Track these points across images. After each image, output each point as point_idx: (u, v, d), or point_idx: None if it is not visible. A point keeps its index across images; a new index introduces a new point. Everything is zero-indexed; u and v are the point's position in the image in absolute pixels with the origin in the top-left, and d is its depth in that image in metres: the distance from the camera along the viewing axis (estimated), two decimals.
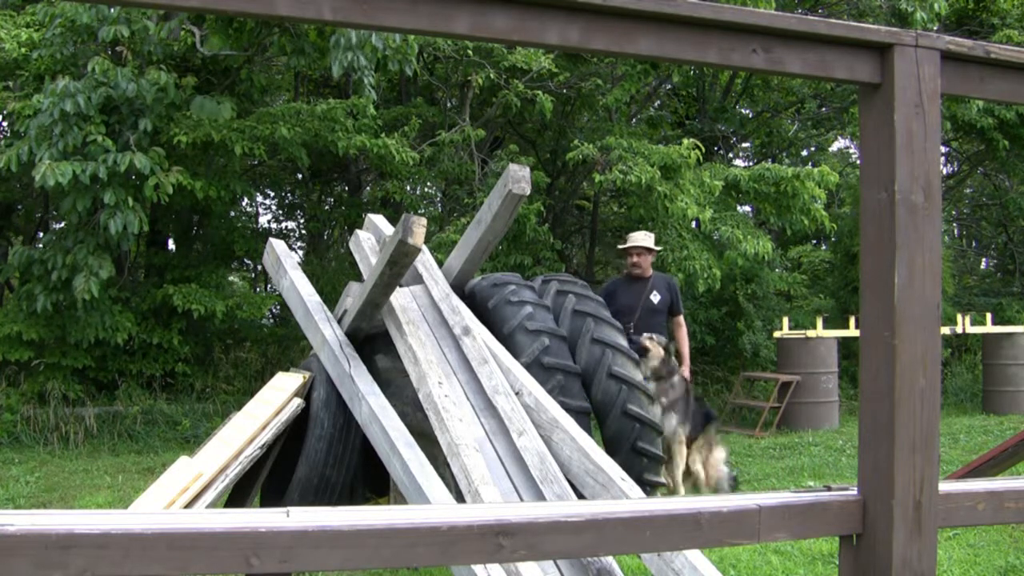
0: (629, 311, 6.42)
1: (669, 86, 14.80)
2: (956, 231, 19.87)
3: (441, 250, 8.34)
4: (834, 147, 18.43)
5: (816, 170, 10.50)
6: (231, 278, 13.42)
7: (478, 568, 2.85)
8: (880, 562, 1.64)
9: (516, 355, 4.08)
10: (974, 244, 20.22)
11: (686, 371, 6.43)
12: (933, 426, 1.66)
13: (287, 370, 5.13)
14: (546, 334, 4.21)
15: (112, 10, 8.05)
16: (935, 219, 1.67)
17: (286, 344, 11.29)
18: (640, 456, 4.20)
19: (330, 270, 11.87)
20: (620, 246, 7.03)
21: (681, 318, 6.73)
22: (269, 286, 13.82)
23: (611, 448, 4.04)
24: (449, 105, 12.15)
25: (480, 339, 4.08)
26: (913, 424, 1.64)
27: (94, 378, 9.80)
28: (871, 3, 12.19)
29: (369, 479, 4.83)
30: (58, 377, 9.22)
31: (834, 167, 13.61)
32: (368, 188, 12.86)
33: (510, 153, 10.97)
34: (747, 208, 13.43)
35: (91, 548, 1.30)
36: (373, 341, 4.67)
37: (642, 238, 6.71)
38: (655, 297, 6.50)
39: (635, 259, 6.57)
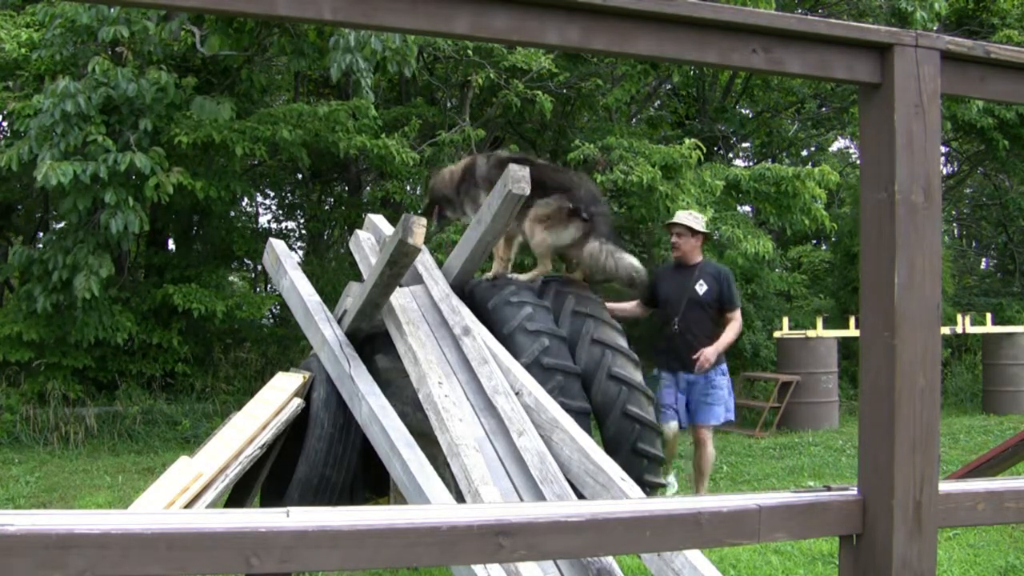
0: (671, 303, 5.72)
1: (669, 86, 14.80)
2: (956, 231, 19.87)
3: (441, 250, 8.34)
4: (834, 147, 18.44)
5: (816, 170, 10.52)
6: (231, 278, 13.41)
7: (478, 568, 2.85)
8: (880, 562, 1.64)
9: (516, 355, 4.08)
10: (974, 244, 20.22)
11: (711, 351, 5.58)
12: (933, 426, 1.66)
13: (287, 370, 5.13)
14: (546, 335, 4.20)
15: (112, 10, 8.05)
16: (935, 219, 1.67)
17: (286, 344, 11.29)
18: (640, 457, 4.20)
19: (330, 270, 11.86)
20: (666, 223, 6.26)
21: (736, 315, 5.80)
22: (269, 286, 13.82)
23: (611, 449, 4.03)
24: (449, 105, 12.14)
25: (480, 339, 4.08)
26: (913, 424, 1.64)
27: (94, 378, 9.81)
28: (871, 3, 12.20)
29: (369, 479, 4.82)
30: (58, 377, 9.22)
31: (834, 167, 13.60)
32: (368, 188, 12.86)
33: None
34: (747, 208, 13.44)
35: (91, 548, 1.30)
36: (373, 341, 4.67)
37: (684, 216, 5.87)
38: (700, 287, 5.68)
39: (674, 239, 5.79)
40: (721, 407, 5.82)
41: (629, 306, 5.79)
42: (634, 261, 4.70)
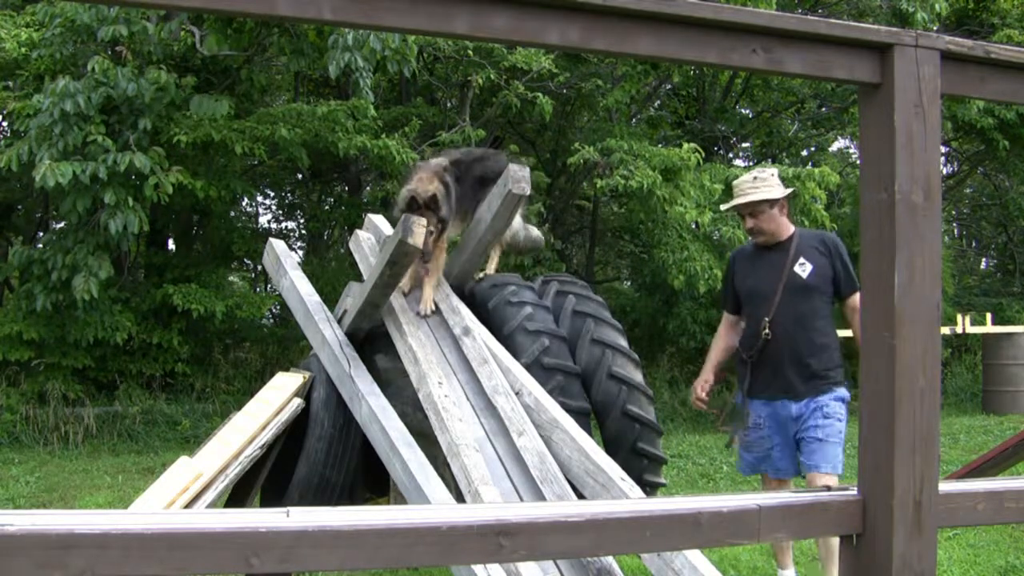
0: (760, 297, 4.08)
1: (669, 86, 14.80)
2: (956, 231, 19.87)
3: None
4: (834, 147, 18.42)
5: (817, 170, 10.53)
6: (231, 278, 13.42)
7: (478, 568, 2.85)
8: (880, 562, 1.64)
9: (516, 356, 4.08)
10: (974, 244, 20.22)
11: None
12: (933, 426, 1.66)
13: (287, 370, 5.13)
14: (546, 335, 4.20)
15: (111, 10, 8.06)
16: (935, 219, 1.67)
17: (286, 344, 11.29)
18: (640, 457, 4.19)
19: (330, 270, 11.87)
20: (723, 206, 4.48)
21: (858, 299, 3.93)
22: (269, 286, 13.82)
23: (611, 449, 4.03)
24: (449, 105, 12.15)
25: (480, 339, 4.08)
26: (913, 424, 1.64)
27: (94, 378, 9.81)
28: (871, 3, 12.20)
29: (369, 479, 4.82)
30: (58, 377, 9.22)
31: (834, 167, 13.60)
32: (368, 188, 12.87)
33: (510, 153, 10.97)
34: None
35: (91, 548, 1.30)
36: (373, 341, 4.67)
37: (746, 187, 4.09)
38: (803, 268, 3.97)
39: (750, 224, 4.11)
40: (840, 446, 4.03)
41: (723, 344, 4.36)
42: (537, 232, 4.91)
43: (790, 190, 4.16)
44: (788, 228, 4.14)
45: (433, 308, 4.31)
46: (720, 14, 1.55)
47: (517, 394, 3.78)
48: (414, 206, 4.19)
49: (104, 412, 9.34)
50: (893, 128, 1.63)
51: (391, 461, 3.72)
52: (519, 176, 4.15)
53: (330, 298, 5.36)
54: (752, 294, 4.17)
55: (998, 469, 5.01)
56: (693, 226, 10.66)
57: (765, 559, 4.85)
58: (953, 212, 18.56)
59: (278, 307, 11.90)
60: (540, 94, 10.24)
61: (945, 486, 1.73)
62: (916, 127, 1.65)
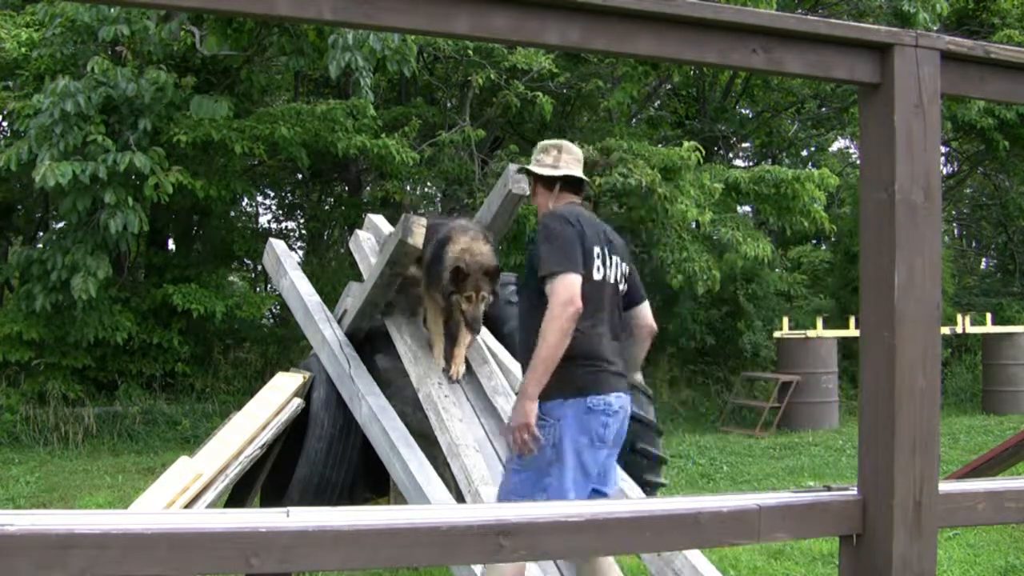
0: None
1: (669, 86, 14.80)
2: (956, 231, 19.87)
3: None
4: (834, 147, 18.43)
5: (816, 172, 10.53)
6: (231, 278, 13.41)
7: (478, 568, 2.85)
8: (880, 562, 1.63)
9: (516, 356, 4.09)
10: (974, 244, 20.22)
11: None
12: (933, 426, 1.66)
13: (287, 370, 5.13)
14: None
15: (112, 10, 8.06)
16: (935, 219, 1.67)
17: (286, 344, 11.29)
18: (640, 457, 4.20)
19: (330, 270, 11.87)
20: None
21: (551, 286, 2.86)
22: (269, 286, 13.81)
23: None
24: (449, 105, 12.15)
25: (480, 339, 4.08)
26: (913, 424, 1.64)
27: (94, 378, 9.80)
28: (871, 3, 12.20)
29: (369, 479, 4.82)
30: (58, 377, 9.22)
31: (834, 167, 13.61)
32: (368, 188, 12.86)
33: (510, 153, 10.97)
34: (747, 208, 13.44)
35: (91, 548, 1.30)
36: (373, 341, 4.68)
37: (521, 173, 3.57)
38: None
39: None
40: (510, 491, 2.92)
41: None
42: None
43: (539, 170, 3.16)
44: (541, 211, 3.23)
45: (463, 372, 4.04)
46: (720, 14, 1.55)
47: (517, 394, 3.78)
48: (461, 274, 3.68)
49: (104, 412, 9.33)
50: (893, 128, 1.63)
51: (391, 461, 3.72)
52: (519, 176, 4.16)
53: (330, 298, 5.36)
54: None
55: (998, 469, 5.01)
56: (693, 225, 10.66)
57: (765, 559, 4.85)
58: (953, 212, 18.57)
59: (278, 307, 11.90)
60: (540, 94, 10.23)
61: (945, 486, 1.73)
62: (916, 127, 1.64)
